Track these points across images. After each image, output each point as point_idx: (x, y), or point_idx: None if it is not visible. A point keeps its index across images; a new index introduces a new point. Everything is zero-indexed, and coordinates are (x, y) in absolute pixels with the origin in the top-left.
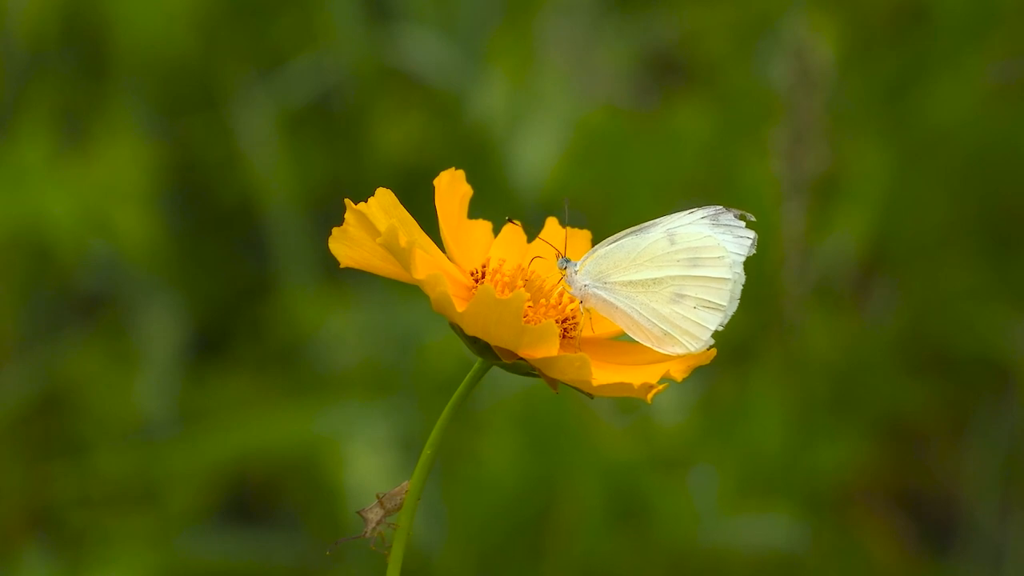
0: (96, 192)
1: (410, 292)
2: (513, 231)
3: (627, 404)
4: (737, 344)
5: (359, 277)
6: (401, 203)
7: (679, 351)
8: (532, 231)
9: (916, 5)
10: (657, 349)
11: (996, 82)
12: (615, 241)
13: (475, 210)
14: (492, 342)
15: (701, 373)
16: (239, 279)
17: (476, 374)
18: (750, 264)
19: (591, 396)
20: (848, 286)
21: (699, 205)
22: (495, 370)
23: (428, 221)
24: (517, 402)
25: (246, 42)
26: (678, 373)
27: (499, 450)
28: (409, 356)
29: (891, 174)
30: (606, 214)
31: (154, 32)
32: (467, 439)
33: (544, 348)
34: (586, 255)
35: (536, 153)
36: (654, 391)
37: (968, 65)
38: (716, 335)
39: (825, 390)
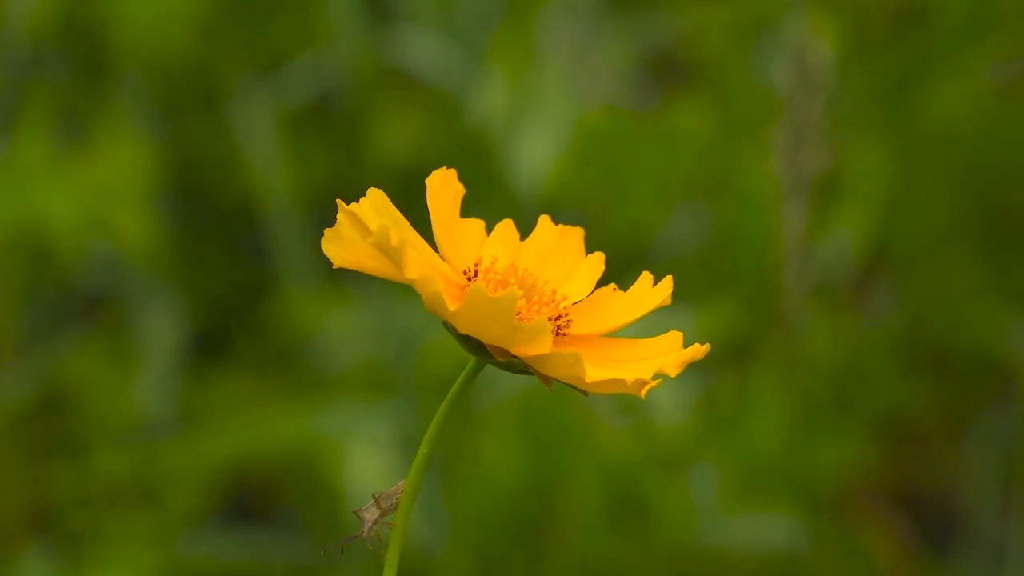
0: (96, 192)
1: (410, 292)
2: (506, 230)
3: (627, 404)
4: (737, 344)
5: (359, 277)
6: (401, 203)
7: None
8: (530, 231)
9: (916, 5)
10: None
11: (996, 82)
12: None
13: (475, 210)
14: (485, 340)
15: (701, 373)
16: (239, 279)
17: (470, 373)
18: (751, 264)
19: (585, 393)
20: (848, 286)
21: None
22: (495, 370)
23: (428, 221)
24: (517, 402)
25: (246, 42)
26: (672, 369)
27: (499, 450)
28: (409, 356)
29: (891, 174)
30: (606, 214)
31: (154, 32)
32: (467, 439)
33: (537, 345)
34: None
35: (536, 153)
36: (648, 387)
37: (968, 65)
38: (716, 335)
39: (825, 390)
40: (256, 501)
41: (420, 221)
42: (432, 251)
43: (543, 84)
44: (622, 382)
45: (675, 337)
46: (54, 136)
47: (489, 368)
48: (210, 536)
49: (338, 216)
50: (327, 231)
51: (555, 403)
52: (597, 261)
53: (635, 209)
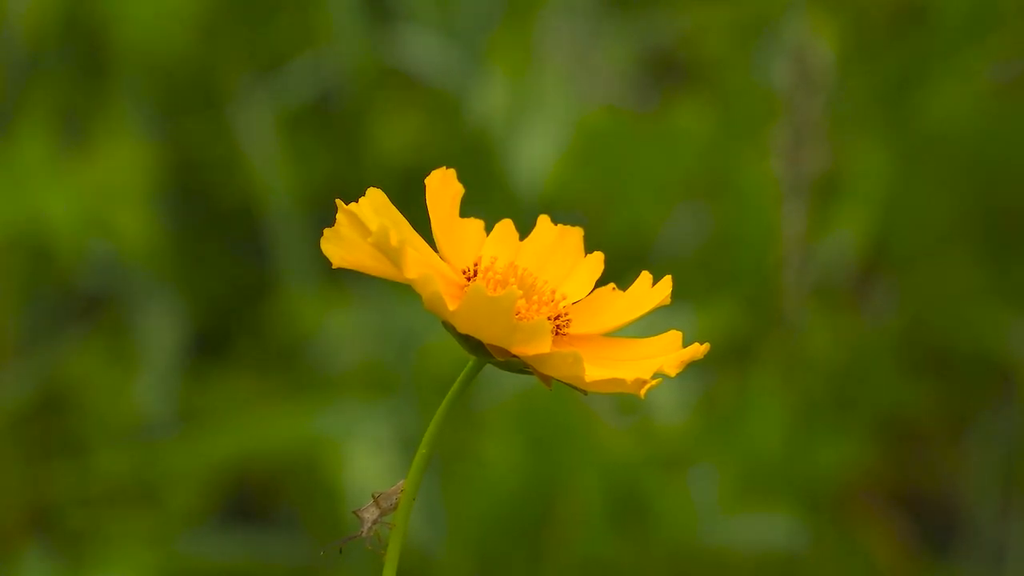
0: (96, 192)
1: (410, 292)
2: (505, 229)
3: (627, 404)
4: (737, 344)
5: (359, 277)
6: (401, 203)
7: None
8: (530, 231)
9: (916, 5)
10: None
11: (996, 82)
12: None
13: (475, 210)
14: (484, 340)
15: (701, 373)
16: (239, 279)
17: (469, 373)
18: (751, 264)
19: (585, 392)
20: (848, 286)
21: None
22: (495, 370)
23: (428, 221)
24: (517, 402)
25: (246, 42)
26: (671, 368)
27: (499, 450)
28: (409, 356)
29: (891, 174)
30: (606, 214)
31: (154, 32)
32: (467, 439)
33: (536, 345)
34: None
35: (536, 153)
36: (647, 386)
37: (968, 65)
38: (716, 335)
39: (825, 390)
40: (256, 501)
41: (419, 221)
42: (432, 251)
43: (543, 84)
44: (621, 381)
45: (674, 336)
46: (54, 136)
47: (489, 368)
48: (210, 536)
49: (337, 216)
50: (326, 231)
51: (555, 403)
52: (596, 261)
53: (635, 209)
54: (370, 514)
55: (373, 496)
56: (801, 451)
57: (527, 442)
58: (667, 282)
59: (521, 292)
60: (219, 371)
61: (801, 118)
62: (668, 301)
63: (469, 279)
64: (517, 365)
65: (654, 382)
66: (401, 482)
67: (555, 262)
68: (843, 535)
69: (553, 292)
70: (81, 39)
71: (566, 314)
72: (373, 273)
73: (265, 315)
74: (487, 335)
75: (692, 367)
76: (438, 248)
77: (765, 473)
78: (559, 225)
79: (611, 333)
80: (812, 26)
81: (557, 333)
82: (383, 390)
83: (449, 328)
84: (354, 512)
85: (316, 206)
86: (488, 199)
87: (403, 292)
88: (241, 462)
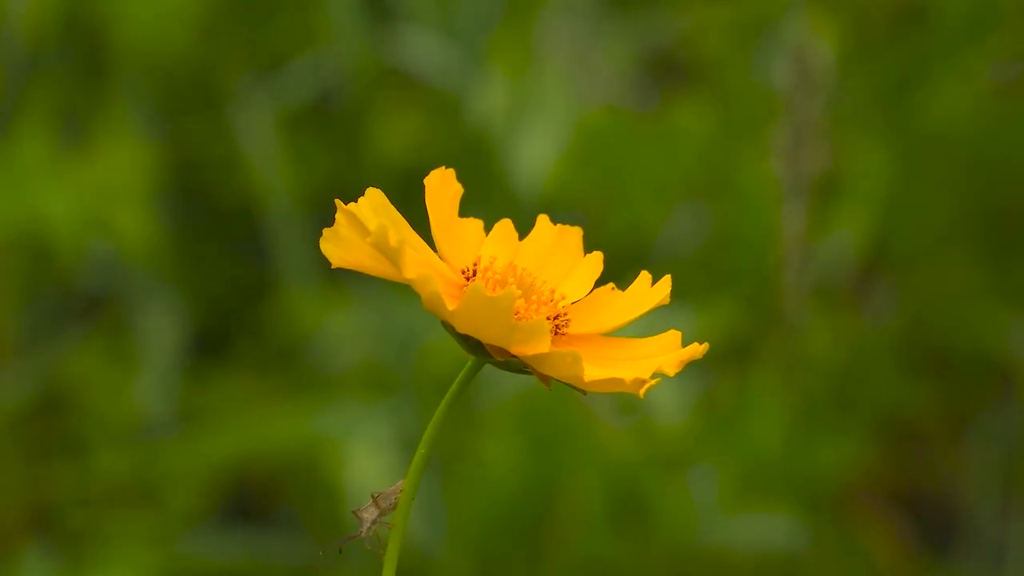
0: (96, 192)
1: (410, 292)
2: (504, 229)
3: (627, 404)
4: (737, 344)
5: (359, 277)
6: (401, 203)
7: None
8: (530, 231)
9: (916, 5)
10: None
11: (996, 82)
12: None
13: (475, 210)
14: (484, 340)
15: (701, 373)
16: (239, 279)
17: (468, 372)
18: (751, 264)
19: (584, 392)
20: (848, 286)
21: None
22: (495, 371)
23: (427, 221)
24: (517, 402)
25: (246, 42)
26: (670, 368)
27: (499, 450)
28: (409, 356)
29: (891, 174)
30: (606, 214)
31: (154, 32)
32: (467, 439)
33: (535, 345)
34: None
35: (536, 153)
36: (646, 386)
37: (968, 65)
38: (716, 335)
39: (825, 390)
40: (256, 501)
41: (420, 221)
42: (431, 251)
43: (543, 84)
44: (620, 381)
45: (674, 336)
46: (54, 136)
47: (489, 368)
48: (210, 536)
49: (336, 216)
50: (326, 231)
51: (555, 403)
52: (596, 260)
53: (635, 209)
54: (369, 514)
55: (372, 496)
56: (801, 451)
57: (527, 442)
58: (666, 282)
59: (520, 292)
60: (219, 371)
61: (801, 118)
62: (667, 301)
63: (468, 279)
64: (516, 365)
65: (653, 382)
66: (400, 482)
67: (554, 262)
68: (843, 535)
69: (552, 292)
70: (81, 39)
71: (565, 314)
72: (372, 273)
73: (265, 315)
74: (486, 335)
75: (692, 367)
76: (437, 248)
77: (765, 473)
78: (558, 225)
79: (610, 333)
80: (812, 26)
81: (556, 333)
82: (383, 390)
83: (448, 328)
84: (353, 512)
85: (316, 206)
86: (488, 199)
87: (403, 292)
88: (241, 462)
